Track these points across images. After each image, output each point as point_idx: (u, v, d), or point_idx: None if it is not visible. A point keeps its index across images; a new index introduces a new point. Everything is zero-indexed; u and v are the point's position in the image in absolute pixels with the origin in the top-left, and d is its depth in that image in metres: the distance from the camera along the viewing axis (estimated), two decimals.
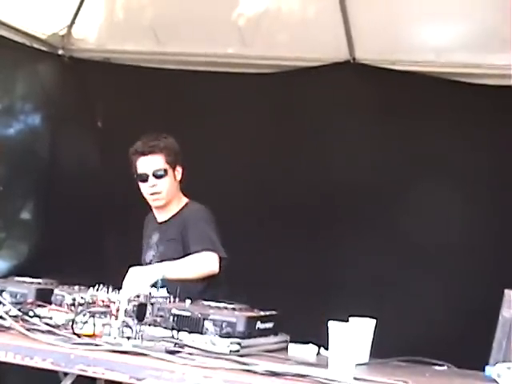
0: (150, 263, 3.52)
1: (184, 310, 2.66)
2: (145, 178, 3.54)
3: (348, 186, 4.66)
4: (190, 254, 3.35)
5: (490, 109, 4.51)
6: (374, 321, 2.80)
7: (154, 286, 3.04)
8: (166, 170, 3.52)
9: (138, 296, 2.73)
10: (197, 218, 3.50)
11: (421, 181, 4.52)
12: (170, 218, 3.61)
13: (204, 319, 2.61)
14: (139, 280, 3.04)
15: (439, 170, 4.59)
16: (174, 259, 3.32)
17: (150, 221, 3.75)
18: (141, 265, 3.48)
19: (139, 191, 3.62)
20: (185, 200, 3.65)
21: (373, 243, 4.55)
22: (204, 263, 3.33)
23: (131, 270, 3.13)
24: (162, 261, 3.38)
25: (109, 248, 5.19)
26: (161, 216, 3.66)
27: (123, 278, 3.05)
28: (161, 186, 3.53)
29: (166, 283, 3.10)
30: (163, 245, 3.57)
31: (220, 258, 3.37)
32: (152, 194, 3.55)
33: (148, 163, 3.52)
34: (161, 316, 2.65)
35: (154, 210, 3.67)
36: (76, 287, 2.95)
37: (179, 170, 3.59)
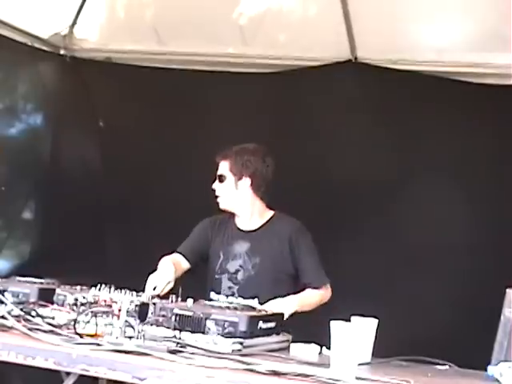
0: (235, 273, 3.53)
1: (186, 309, 2.66)
2: (214, 180, 3.65)
3: (349, 186, 4.66)
4: (300, 271, 3.51)
5: (490, 108, 4.51)
6: (376, 320, 2.80)
7: None
8: (224, 177, 3.62)
9: (139, 295, 2.75)
10: (305, 242, 3.59)
11: (421, 180, 4.52)
12: (260, 228, 3.63)
13: (206, 319, 2.61)
14: (283, 306, 3.19)
15: (440, 170, 4.59)
16: (274, 271, 3.47)
17: (222, 226, 3.70)
18: (212, 275, 3.56)
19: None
20: (270, 212, 3.69)
21: (374, 243, 4.55)
22: (325, 299, 3.55)
23: (276, 302, 3.25)
24: (257, 272, 3.49)
25: (110, 248, 5.20)
26: (245, 224, 3.65)
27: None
28: (219, 190, 3.63)
29: None
30: (258, 255, 3.54)
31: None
32: (215, 196, 3.65)
33: (220, 167, 3.66)
34: (163, 316, 2.65)
35: (236, 218, 3.67)
36: (78, 287, 2.95)
37: (247, 180, 3.61)
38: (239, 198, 3.62)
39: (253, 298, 3.26)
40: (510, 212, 4.41)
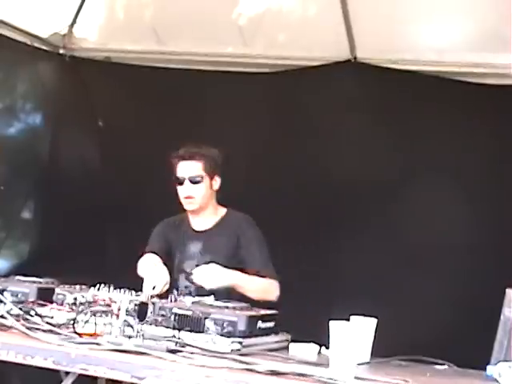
0: (191, 274, 3.50)
1: (185, 309, 2.66)
2: (181, 182, 3.63)
3: (348, 186, 4.66)
4: (245, 269, 3.45)
5: (490, 108, 4.51)
6: (375, 320, 2.80)
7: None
8: (202, 177, 3.62)
9: (138, 295, 2.74)
10: (254, 235, 3.61)
11: (421, 180, 4.52)
12: (213, 227, 3.67)
13: (205, 318, 2.61)
14: (215, 276, 3.24)
15: (440, 170, 4.59)
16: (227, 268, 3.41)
17: (177, 227, 3.75)
18: (172, 274, 3.51)
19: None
20: (223, 209, 3.72)
21: (373, 243, 4.55)
22: (271, 292, 3.50)
23: (211, 265, 3.30)
24: None
25: (109, 247, 5.20)
26: (199, 224, 3.69)
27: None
28: (195, 192, 3.62)
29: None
30: (210, 254, 3.57)
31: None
32: (186, 198, 3.63)
33: (187, 168, 3.64)
34: (162, 315, 2.65)
35: (190, 218, 3.71)
36: (77, 286, 2.95)
37: (217, 179, 3.68)
38: (210, 198, 3.68)
39: (208, 295, 3.15)
40: (510, 212, 4.41)
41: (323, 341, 2.60)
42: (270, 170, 4.87)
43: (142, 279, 3.26)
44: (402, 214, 4.49)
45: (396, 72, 4.65)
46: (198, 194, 3.61)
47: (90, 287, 2.84)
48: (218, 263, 3.38)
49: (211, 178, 3.65)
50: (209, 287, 3.23)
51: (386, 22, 4.56)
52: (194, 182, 3.61)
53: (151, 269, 3.36)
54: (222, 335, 2.56)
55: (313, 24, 4.73)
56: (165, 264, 3.52)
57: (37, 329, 2.60)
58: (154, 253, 3.61)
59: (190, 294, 3.33)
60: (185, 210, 3.71)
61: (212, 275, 3.28)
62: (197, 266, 3.51)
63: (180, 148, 3.69)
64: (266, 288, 3.47)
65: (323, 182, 4.73)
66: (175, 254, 3.68)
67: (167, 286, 3.22)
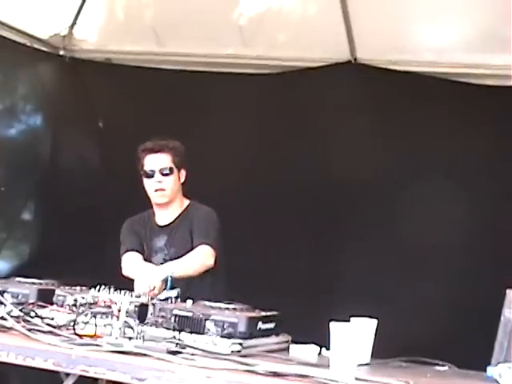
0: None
1: (185, 310, 2.66)
2: (151, 175, 3.63)
3: (349, 186, 4.67)
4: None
5: (490, 109, 4.51)
6: (376, 321, 2.80)
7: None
8: (171, 169, 3.63)
9: (139, 296, 2.74)
10: (202, 216, 3.63)
11: (421, 181, 4.52)
12: (176, 220, 3.68)
13: (205, 320, 2.61)
14: (150, 277, 3.18)
15: (440, 170, 4.60)
16: None
17: (141, 225, 3.75)
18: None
19: (142, 189, 3.71)
20: (187, 201, 3.74)
21: (373, 243, 4.55)
22: (199, 259, 3.46)
23: (143, 266, 3.32)
24: None
25: (109, 248, 5.18)
26: (163, 218, 3.70)
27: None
28: (166, 184, 3.63)
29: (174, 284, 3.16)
30: (174, 247, 3.61)
31: (215, 252, 3.50)
32: (156, 191, 3.64)
33: (156, 160, 3.65)
34: (162, 316, 2.65)
35: (156, 212, 3.71)
36: (77, 288, 2.95)
37: (183, 172, 3.70)
38: (178, 191, 3.69)
39: (172, 288, 3.17)
40: (510, 212, 4.41)
41: (324, 342, 2.60)
42: (270, 171, 4.87)
43: (132, 280, 3.27)
44: (402, 214, 4.49)
45: (396, 73, 4.66)
46: (169, 186, 3.63)
47: (90, 288, 2.83)
48: (181, 254, 3.43)
49: (179, 171, 3.67)
50: (138, 290, 3.03)
51: (386, 22, 4.56)
52: (164, 174, 3.62)
53: (142, 268, 3.37)
54: (222, 336, 2.56)
55: (313, 25, 4.73)
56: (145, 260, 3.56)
57: (37, 330, 2.59)
58: (135, 250, 3.62)
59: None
60: (151, 207, 3.71)
61: (148, 275, 3.23)
62: (164, 259, 3.57)
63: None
64: (194, 259, 3.44)
65: (323, 182, 4.74)
66: (144, 248, 3.68)
67: (163, 286, 3.20)
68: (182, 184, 3.73)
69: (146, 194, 3.72)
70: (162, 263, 3.53)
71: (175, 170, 3.65)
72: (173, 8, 4.86)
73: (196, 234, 3.55)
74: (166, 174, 3.62)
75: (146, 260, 3.61)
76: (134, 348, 2.40)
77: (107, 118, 5.31)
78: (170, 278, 3.16)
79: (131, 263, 3.54)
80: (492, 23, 4.29)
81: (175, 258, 3.48)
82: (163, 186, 3.62)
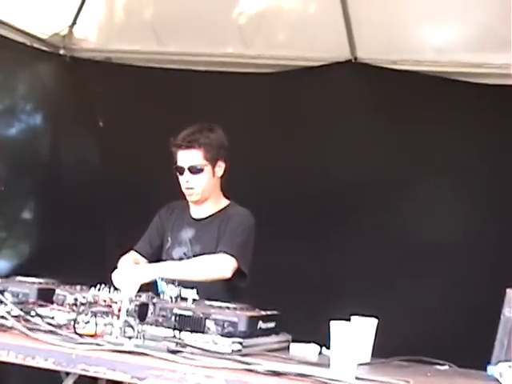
0: (179, 260, 3.41)
1: (186, 309, 2.66)
2: (181, 172, 3.45)
3: (349, 186, 4.67)
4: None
5: (490, 108, 4.52)
6: (376, 320, 2.80)
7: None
8: (201, 167, 3.43)
9: (140, 295, 2.74)
10: (237, 221, 3.42)
11: (421, 180, 4.52)
12: (209, 217, 3.49)
13: (206, 319, 2.60)
14: (132, 279, 3.01)
15: (440, 170, 4.60)
16: None
17: (176, 212, 3.58)
18: (158, 259, 3.46)
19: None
20: (226, 201, 3.55)
21: (374, 243, 4.55)
22: (215, 266, 3.27)
23: (125, 268, 3.19)
24: None
25: (110, 247, 5.19)
26: (197, 212, 3.52)
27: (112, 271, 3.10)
28: (195, 182, 3.43)
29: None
30: (200, 244, 3.43)
31: (239, 268, 3.29)
32: (187, 189, 3.47)
33: (185, 157, 3.43)
34: (163, 315, 2.65)
35: (191, 205, 3.54)
36: (78, 287, 2.94)
37: (221, 165, 3.47)
38: (214, 187, 3.50)
39: (192, 288, 3.10)
40: (510, 212, 4.41)
41: (324, 341, 2.60)
42: (270, 170, 4.86)
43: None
44: (402, 213, 4.49)
45: (396, 72, 4.66)
46: (199, 185, 3.43)
47: (90, 287, 2.82)
48: (205, 253, 3.29)
49: (213, 166, 3.45)
50: (125, 291, 2.74)
51: (386, 22, 4.57)
52: (193, 171, 3.42)
53: (125, 269, 3.25)
54: (222, 335, 2.55)
55: (313, 24, 4.74)
56: (156, 258, 3.46)
57: (37, 329, 2.59)
58: (136, 251, 3.56)
59: (173, 282, 3.03)
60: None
61: (128, 278, 3.04)
62: (184, 254, 3.43)
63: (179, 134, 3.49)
64: (208, 265, 3.25)
65: (323, 181, 4.74)
66: (167, 239, 3.53)
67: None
68: (222, 176, 3.51)
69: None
70: (181, 258, 3.41)
71: (208, 167, 3.42)
72: (173, 7, 4.86)
73: (222, 240, 3.34)
74: (195, 172, 3.41)
75: (168, 249, 3.48)
76: (135, 347, 2.40)
77: (107, 117, 5.31)
78: (159, 281, 3.01)
79: (121, 263, 3.45)
80: (492, 22, 4.29)
81: (198, 255, 3.33)
82: (192, 185, 3.43)
